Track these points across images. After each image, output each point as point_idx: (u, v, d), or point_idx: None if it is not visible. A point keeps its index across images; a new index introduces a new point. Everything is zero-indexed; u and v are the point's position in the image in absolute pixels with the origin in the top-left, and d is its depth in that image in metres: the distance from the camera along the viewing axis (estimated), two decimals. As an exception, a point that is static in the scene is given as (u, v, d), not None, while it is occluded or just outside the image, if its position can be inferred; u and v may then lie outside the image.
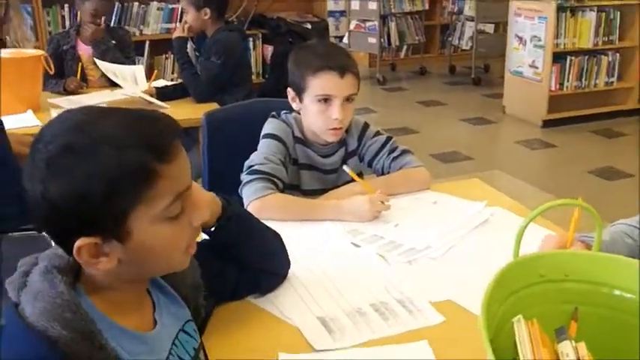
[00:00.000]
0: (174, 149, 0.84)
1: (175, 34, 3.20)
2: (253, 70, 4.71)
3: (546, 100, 5.24)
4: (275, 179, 1.70)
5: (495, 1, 6.32)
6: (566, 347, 0.77)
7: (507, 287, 0.82)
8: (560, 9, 5.10)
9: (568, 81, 5.32)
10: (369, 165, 1.92)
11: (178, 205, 0.85)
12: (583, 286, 0.89)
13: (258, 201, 1.65)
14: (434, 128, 5.36)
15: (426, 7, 7.16)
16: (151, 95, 3.03)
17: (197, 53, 3.28)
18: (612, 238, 1.37)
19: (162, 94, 3.07)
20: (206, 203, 1.09)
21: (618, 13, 5.37)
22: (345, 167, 1.80)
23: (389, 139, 1.91)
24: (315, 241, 1.55)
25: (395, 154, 1.87)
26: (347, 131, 1.88)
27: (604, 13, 5.30)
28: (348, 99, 1.76)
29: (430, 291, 1.31)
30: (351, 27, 6.77)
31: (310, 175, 1.86)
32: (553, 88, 5.26)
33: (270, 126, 1.83)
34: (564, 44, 5.22)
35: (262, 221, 1.32)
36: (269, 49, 4.95)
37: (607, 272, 0.89)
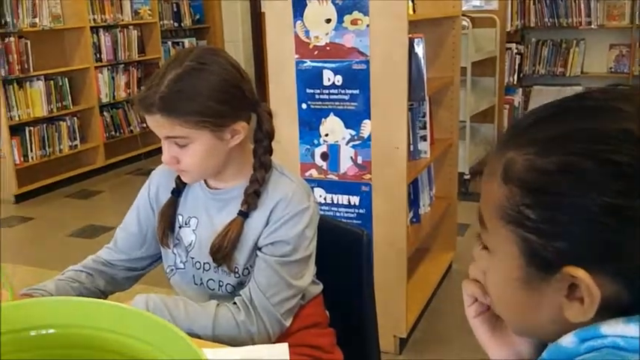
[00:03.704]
0: None
1: None
2: None
3: (14, 175, 5.10)
4: None
5: None
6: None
7: None
8: (6, 82, 5.05)
9: (32, 151, 5.29)
10: None
11: None
12: (9, 337, 0.90)
13: None
14: None
15: None
16: None
17: None
18: (58, 286, 1.45)
19: None
20: None
21: (66, 79, 5.59)
22: None
23: None
24: None
25: None
26: None
27: (52, 81, 5.45)
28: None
29: None
30: None
31: None
32: (18, 162, 5.15)
33: None
34: (19, 116, 5.18)
35: None
36: None
37: (26, 316, 0.92)
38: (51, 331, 0.94)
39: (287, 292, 1.36)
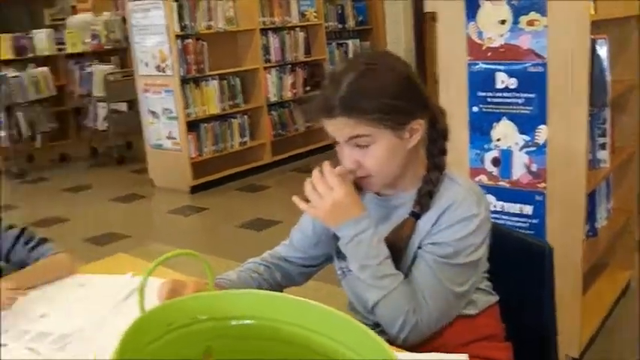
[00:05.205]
0: None
1: None
2: None
3: (189, 167, 5.47)
4: None
5: (121, 80, 6.50)
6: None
7: (138, 342, 0.84)
8: (184, 81, 5.42)
9: (206, 146, 5.65)
10: (7, 260, 1.81)
11: None
12: (211, 324, 0.97)
13: None
14: (84, 213, 5.21)
15: (54, 92, 6.98)
16: None
17: None
18: (240, 277, 1.53)
19: None
20: None
21: (238, 79, 5.90)
22: None
23: (23, 230, 1.84)
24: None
25: (31, 244, 1.81)
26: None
27: (225, 81, 5.78)
28: None
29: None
30: (-26, 122, 6.26)
31: None
32: (193, 155, 5.52)
33: None
34: (195, 113, 5.54)
35: None
36: None
37: (226, 306, 0.98)
38: (249, 322, 0.99)
39: (442, 294, 1.34)
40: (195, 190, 5.49)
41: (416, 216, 1.39)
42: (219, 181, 5.67)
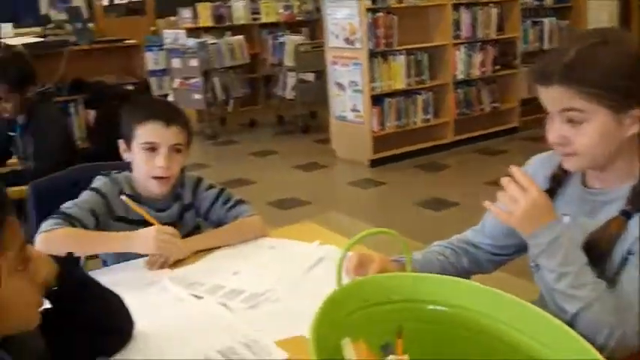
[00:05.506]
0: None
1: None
2: (78, 135, 4.60)
3: (371, 141, 5.53)
4: (73, 220, 1.70)
5: (311, 51, 6.69)
6: (391, 361, 0.84)
7: (336, 313, 0.86)
8: (372, 55, 5.45)
9: (389, 121, 5.66)
10: (205, 218, 1.95)
11: (24, 256, 0.90)
12: (403, 305, 0.96)
13: (45, 234, 1.65)
14: (269, 177, 5.46)
15: (247, 60, 7.35)
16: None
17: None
18: (425, 258, 1.51)
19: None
20: (44, 259, 1.12)
21: (425, 55, 5.82)
22: (122, 197, 1.80)
23: (222, 190, 1.95)
24: (156, 298, 1.53)
25: (229, 204, 1.92)
26: (181, 186, 1.91)
27: (413, 56, 5.73)
28: (176, 150, 1.79)
29: (276, 330, 1.33)
30: (175, 85, 6.76)
31: None
32: (376, 129, 5.56)
33: (94, 183, 1.85)
34: (381, 87, 5.57)
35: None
36: (91, 113, 4.83)
37: (421, 289, 0.97)
38: (442, 308, 0.98)
39: None
40: (374, 163, 5.54)
41: (627, 215, 1.28)
42: (399, 156, 5.67)
